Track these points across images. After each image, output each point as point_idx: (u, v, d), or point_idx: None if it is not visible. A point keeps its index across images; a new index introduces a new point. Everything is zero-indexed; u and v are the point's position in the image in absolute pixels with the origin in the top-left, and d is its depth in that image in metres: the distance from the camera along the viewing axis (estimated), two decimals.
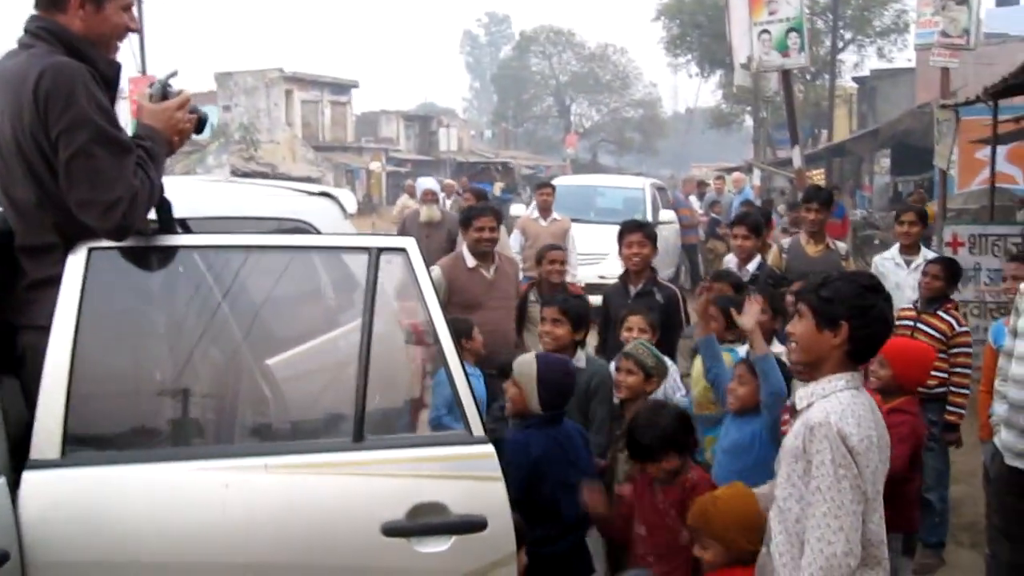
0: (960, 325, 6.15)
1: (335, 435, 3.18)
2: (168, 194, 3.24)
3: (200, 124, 3.34)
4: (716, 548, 3.41)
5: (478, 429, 3.11)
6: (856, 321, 3.02)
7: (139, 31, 3.86)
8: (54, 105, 2.90)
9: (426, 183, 11.95)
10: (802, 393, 3.11)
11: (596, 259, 13.43)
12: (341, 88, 51.73)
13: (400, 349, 3.50)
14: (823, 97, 42.00)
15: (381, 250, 3.19)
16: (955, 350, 6.09)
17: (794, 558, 2.99)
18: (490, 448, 3.11)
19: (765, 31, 15.67)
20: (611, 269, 11.31)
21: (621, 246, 6.51)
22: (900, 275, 7.14)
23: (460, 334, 5.16)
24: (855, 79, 44.85)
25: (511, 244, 10.92)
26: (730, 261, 7.51)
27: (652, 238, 6.48)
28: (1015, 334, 4.82)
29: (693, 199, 19.92)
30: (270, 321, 3.41)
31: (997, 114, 11.02)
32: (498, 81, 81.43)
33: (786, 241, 8.17)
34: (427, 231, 10.67)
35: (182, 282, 3.29)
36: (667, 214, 16.25)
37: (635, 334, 5.43)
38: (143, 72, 29.46)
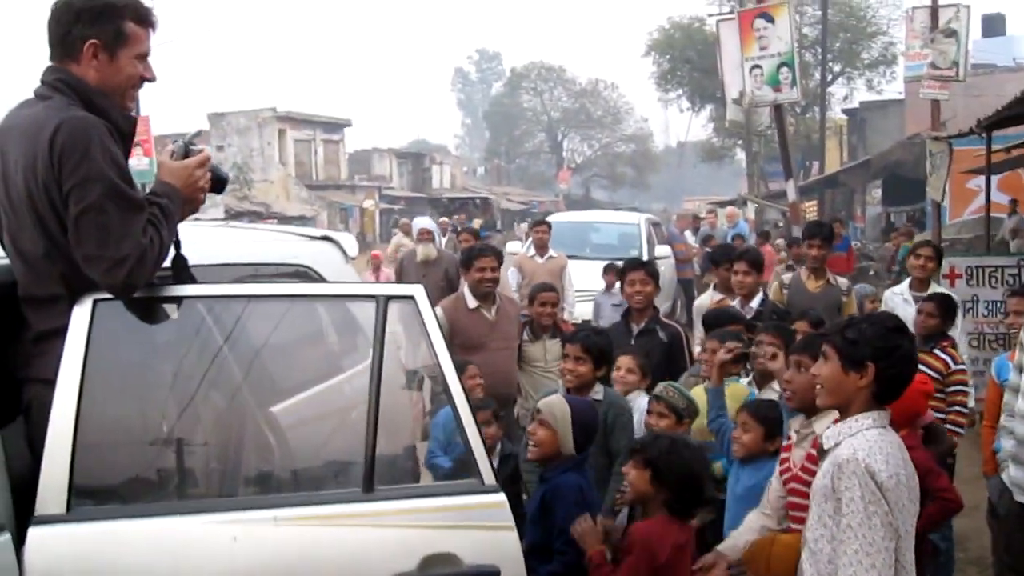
0: (956, 363, 6.12)
1: (344, 485, 3.14)
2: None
3: (219, 183, 3.31)
4: None
5: (490, 478, 3.07)
6: (883, 363, 3.05)
7: (154, 80, 3.88)
8: (68, 159, 2.89)
9: (422, 222, 11.96)
10: (829, 433, 3.12)
11: (590, 296, 13.42)
12: (334, 127, 51.95)
13: (405, 396, 3.47)
14: (813, 130, 42.23)
15: (389, 298, 3.17)
16: (952, 388, 6.07)
17: None
18: (502, 497, 3.07)
19: (756, 66, 15.81)
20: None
21: (623, 284, 6.51)
22: (908, 311, 7.07)
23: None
24: (845, 111, 45.22)
25: (508, 282, 10.91)
26: (705, 300, 7.54)
27: (654, 276, 6.48)
28: (1020, 370, 4.82)
29: (688, 234, 19.96)
30: (276, 371, 3.38)
31: (991, 145, 11.05)
32: (490, 118, 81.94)
33: (787, 276, 8.16)
34: (424, 270, 10.66)
35: (187, 332, 3.26)
36: (663, 249, 16.26)
37: (623, 374, 5.41)
38: (137, 113, 29.45)
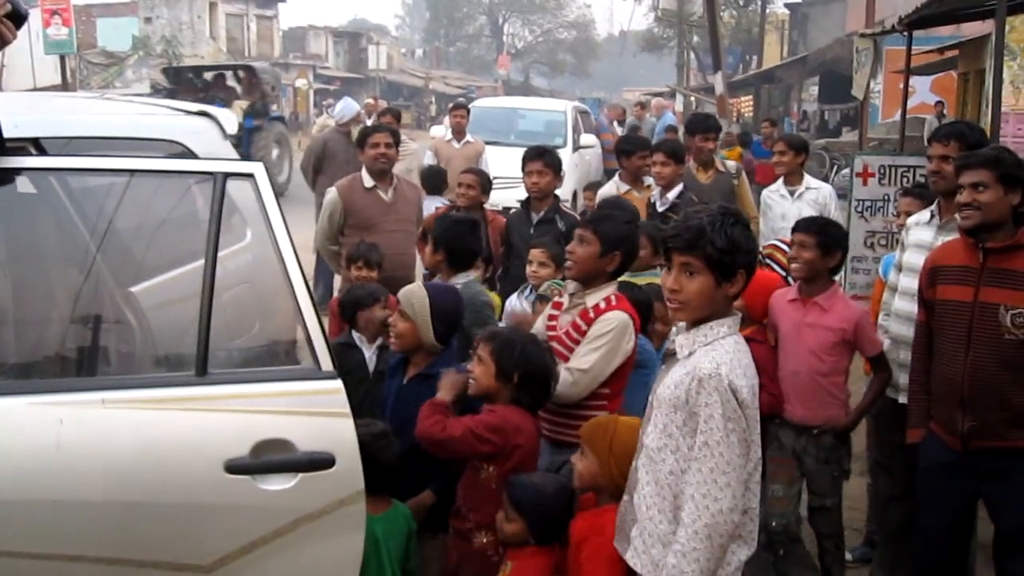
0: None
1: (177, 369, 3.03)
2: (20, 109, 3.01)
3: (17, 18, 2.96)
4: (591, 464, 3.34)
5: (327, 363, 2.98)
6: (749, 268, 2.91)
7: None
8: None
9: (355, 106, 11.64)
10: (683, 341, 2.91)
11: (514, 183, 13.24)
12: (268, 2, 50.36)
13: (248, 278, 3.35)
14: (754, 23, 41.88)
15: (227, 175, 3.02)
16: None
17: (662, 511, 2.87)
18: (338, 384, 2.99)
19: None
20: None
21: (523, 173, 6.40)
22: (785, 205, 7.28)
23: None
24: (787, 5, 44.86)
25: (425, 164, 10.71)
26: (609, 189, 7.46)
27: (553, 166, 6.36)
28: (899, 268, 4.82)
29: (616, 124, 19.77)
30: (109, 249, 3.23)
31: (911, 44, 10.98)
32: None
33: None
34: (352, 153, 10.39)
35: (9, 206, 3.09)
36: (588, 138, 16.11)
37: (535, 268, 5.27)
38: None
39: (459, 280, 4.95)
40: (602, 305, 4.00)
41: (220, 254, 3.06)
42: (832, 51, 27.04)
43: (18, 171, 3.02)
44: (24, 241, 3.10)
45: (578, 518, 3.40)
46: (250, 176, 3.04)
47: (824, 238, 4.59)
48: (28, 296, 3.04)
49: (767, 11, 42.85)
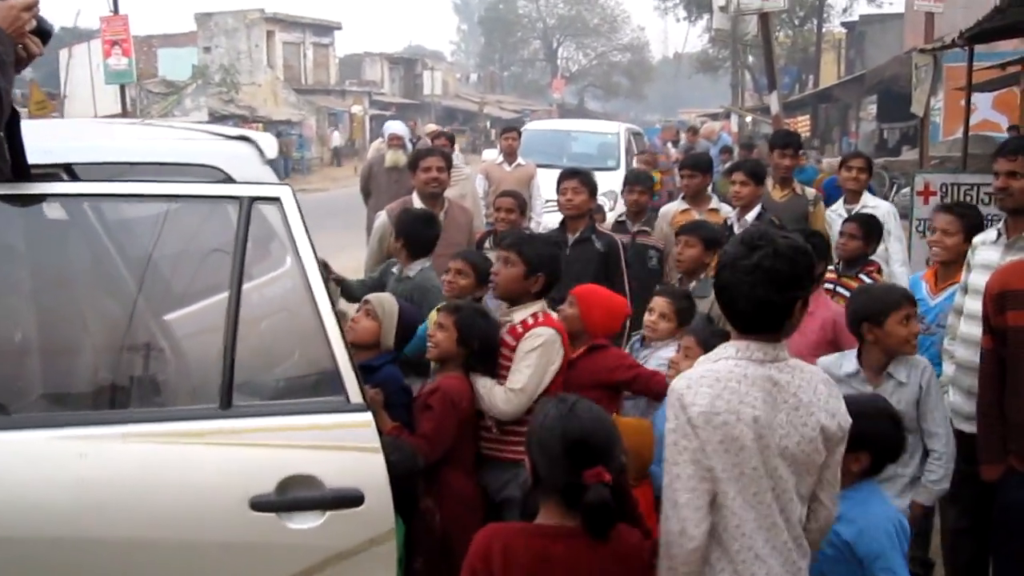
0: None
1: (201, 401, 2.92)
2: (55, 134, 2.94)
3: (43, 35, 2.94)
4: None
5: (356, 396, 2.85)
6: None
7: None
8: None
9: (393, 127, 11.58)
10: (702, 357, 2.83)
11: None
12: (324, 29, 50.97)
13: (277, 306, 3.23)
14: (811, 43, 41.46)
15: (254, 200, 2.91)
16: None
17: None
18: (368, 416, 2.85)
19: None
20: None
21: (558, 193, 6.27)
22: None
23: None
24: (844, 24, 44.31)
25: (476, 189, 10.62)
26: (671, 208, 7.29)
27: (589, 185, 6.23)
28: (965, 290, 4.59)
29: (670, 146, 19.58)
30: (134, 277, 3.13)
31: (972, 59, 10.67)
32: (485, 23, 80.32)
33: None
34: (395, 176, 10.35)
35: (30, 234, 3.00)
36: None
37: (655, 319, 4.92)
38: (115, 11, 28.76)
39: (415, 266, 5.31)
40: (529, 321, 4.16)
41: (257, 281, 2.96)
42: (890, 69, 26.59)
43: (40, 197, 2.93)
44: (44, 269, 3.01)
45: None
46: (276, 200, 2.93)
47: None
48: (45, 325, 2.94)
49: (823, 30, 42.46)
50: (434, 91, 57.57)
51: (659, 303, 4.93)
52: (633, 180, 7.21)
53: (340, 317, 2.91)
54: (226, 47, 45.26)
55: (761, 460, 2.60)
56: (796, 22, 43.77)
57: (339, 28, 52.19)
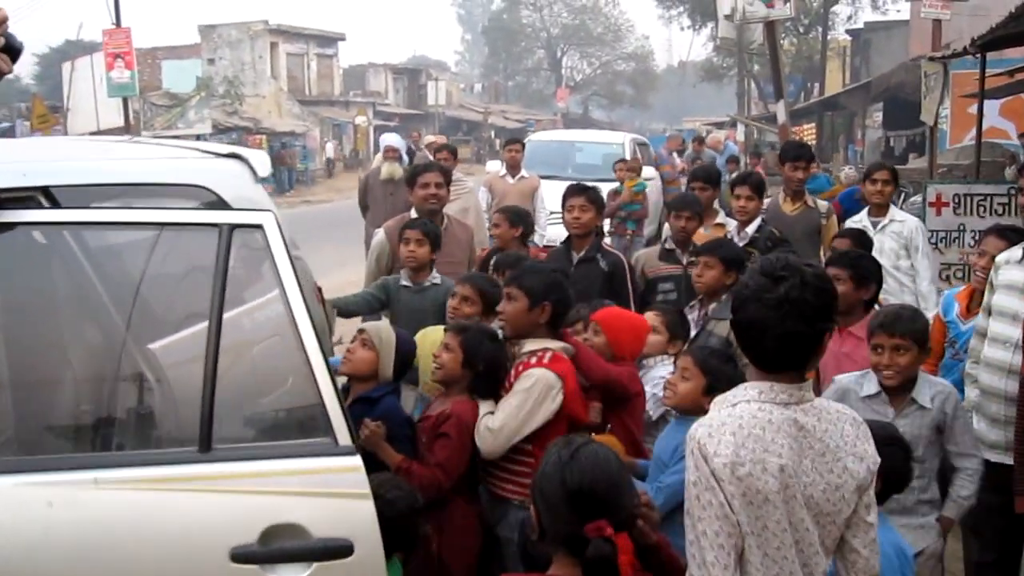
0: None
1: (179, 444, 2.72)
2: (32, 154, 2.75)
3: (13, 52, 2.73)
4: None
5: (344, 438, 2.64)
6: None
7: None
8: None
9: (388, 139, 11.42)
10: (716, 401, 2.56)
11: None
12: (328, 40, 50.93)
13: (259, 342, 3.03)
14: (816, 50, 41.27)
15: (234, 227, 2.72)
16: None
17: None
18: (357, 460, 2.65)
19: None
20: None
21: (563, 210, 6.07)
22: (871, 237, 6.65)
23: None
24: (848, 32, 44.14)
25: (479, 202, 10.44)
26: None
27: (596, 202, 6.02)
28: (989, 312, 4.38)
29: (675, 155, 19.38)
30: (103, 311, 2.94)
31: (985, 67, 10.46)
32: (489, 33, 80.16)
33: (765, 201, 7.67)
34: (390, 189, 10.18)
35: None
36: (648, 171, 15.73)
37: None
38: (117, 24, 28.66)
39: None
40: (532, 361, 3.95)
41: (237, 312, 2.77)
42: (896, 76, 26.39)
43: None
44: (8, 300, 2.82)
45: None
46: (259, 227, 2.74)
47: (858, 271, 4.58)
48: (10, 361, 2.74)
49: (828, 38, 42.26)
50: (438, 101, 57.36)
51: (649, 317, 4.82)
52: (681, 205, 6.43)
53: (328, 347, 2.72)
54: (230, 59, 45.24)
55: (785, 512, 2.39)
56: (801, 30, 43.52)
57: (343, 39, 52.17)
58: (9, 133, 30.08)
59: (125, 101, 28.73)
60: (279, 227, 2.77)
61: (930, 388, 3.92)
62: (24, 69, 66.16)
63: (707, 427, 2.42)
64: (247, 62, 45.32)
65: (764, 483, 2.36)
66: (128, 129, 28.28)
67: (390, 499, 3.19)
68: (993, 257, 4.73)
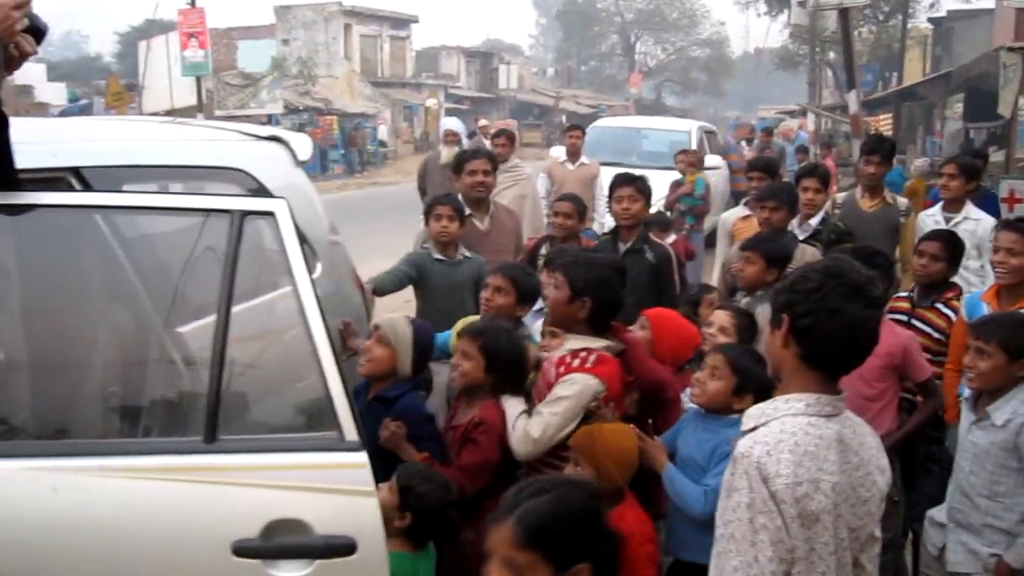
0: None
1: (185, 433, 2.67)
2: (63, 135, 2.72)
3: (37, 33, 2.73)
4: (587, 472, 3.32)
5: (350, 432, 2.57)
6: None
7: None
8: None
9: (448, 123, 11.36)
10: (753, 411, 2.39)
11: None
12: (401, 23, 51.16)
13: (268, 332, 2.96)
14: (895, 39, 40.29)
15: (246, 214, 2.65)
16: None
17: None
18: (363, 456, 2.57)
19: None
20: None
21: (611, 200, 5.94)
22: None
23: None
24: (930, 20, 43.02)
25: (538, 188, 10.32)
26: (732, 214, 6.92)
27: (645, 192, 5.88)
28: None
29: (744, 144, 19.06)
30: (112, 298, 2.90)
31: None
32: (563, 18, 79.80)
33: (841, 195, 7.43)
34: (448, 173, 10.10)
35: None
36: (714, 159, 15.43)
37: (713, 332, 4.50)
38: (192, 4, 29.04)
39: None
40: (574, 363, 3.73)
41: (248, 304, 2.72)
42: (978, 66, 25.54)
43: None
44: (17, 285, 2.79)
45: None
46: (270, 214, 2.67)
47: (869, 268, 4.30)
48: (16, 346, 2.71)
49: (909, 26, 41.23)
50: (509, 85, 57.29)
51: (720, 317, 4.52)
52: (768, 195, 6.06)
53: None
54: (304, 39, 45.65)
55: (833, 534, 2.26)
56: (880, 18, 42.56)
57: (416, 21, 52.36)
58: (88, 110, 30.64)
59: (198, 80, 29.11)
60: (291, 215, 2.70)
61: (1010, 408, 3.71)
62: (105, 47, 67.38)
63: (764, 445, 2.26)
64: (321, 43, 45.72)
65: (817, 503, 2.22)
66: (201, 108, 28.65)
67: (420, 492, 3.15)
68: (1007, 251, 4.55)
